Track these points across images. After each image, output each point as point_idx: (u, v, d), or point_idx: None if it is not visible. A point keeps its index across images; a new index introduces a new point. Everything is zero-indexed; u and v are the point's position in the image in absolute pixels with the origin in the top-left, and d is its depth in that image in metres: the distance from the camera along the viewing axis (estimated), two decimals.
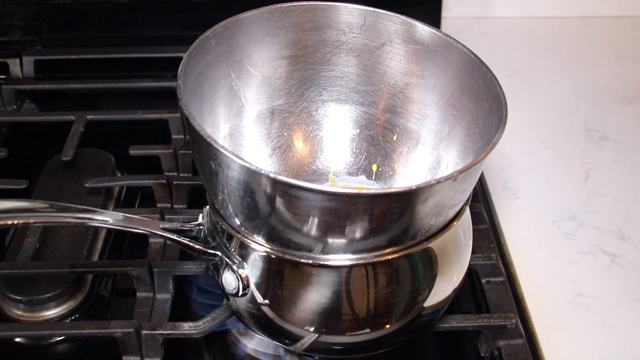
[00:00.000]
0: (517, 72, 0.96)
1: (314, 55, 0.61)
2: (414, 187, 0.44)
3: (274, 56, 0.59)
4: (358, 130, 0.64)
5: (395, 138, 0.63)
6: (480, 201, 0.71)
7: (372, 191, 0.44)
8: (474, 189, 0.74)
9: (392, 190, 0.44)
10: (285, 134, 0.63)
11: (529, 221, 0.74)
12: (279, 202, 0.45)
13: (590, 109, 0.90)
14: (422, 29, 0.57)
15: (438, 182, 0.44)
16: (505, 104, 0.50)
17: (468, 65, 0.55)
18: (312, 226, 0.46)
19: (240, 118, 0.60)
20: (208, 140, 0.45)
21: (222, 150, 0.44)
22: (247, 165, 0.44)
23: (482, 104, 0.54)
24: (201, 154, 0.48)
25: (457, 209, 0.51)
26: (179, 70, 0.50)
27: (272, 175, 0.43)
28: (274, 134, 0.63)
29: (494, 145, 0.47)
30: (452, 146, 0.59)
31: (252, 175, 0.44)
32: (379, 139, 0.64)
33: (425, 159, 0.61)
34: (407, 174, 0.63)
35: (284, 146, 0.64)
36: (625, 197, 0.77)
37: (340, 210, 0.44)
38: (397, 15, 0.58)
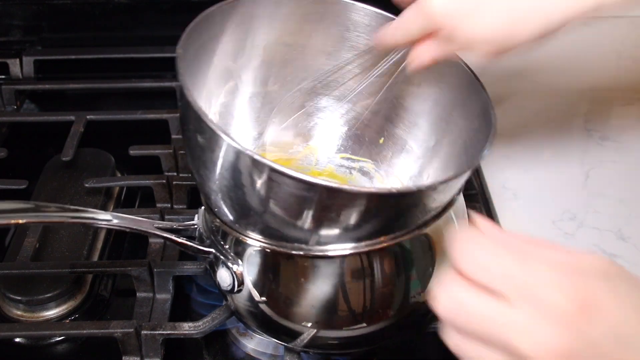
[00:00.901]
0: (517, 72, 0.96)
1: (315, 47, 0.60)
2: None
3: (275, 41, 0.59)
4: (346, 128, 0.64)
5: (381, 141, 0.63)
6: (480, 201, 0.71)
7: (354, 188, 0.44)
8: (474, 189, 0.75)
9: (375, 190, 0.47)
10: (274, 120, 0.63)
11: (529, 221, 0.74)
12: (263, 186, 0.44)
13: (590, 109, 0.90)
14: None
15: (419, 189, 0.46)
16: (495, 125, 0.50)
17: (465, 81, 0.55)
18: (303, 217, 0.45)
19: (232, 98, 0.60)
20: (199, 113, 0.44)
21: (212, 126, 0.43)
22: (241, 148, 0.43)
23: (473, 120, 0.54)
24: (189, 126, 0.47)
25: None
26: (180, 40, 0.49)
27: (266, 161, 0.42)
28: (262, 118, 0.63)
29: (476, 163, 0.50)
30: (436, 157, 0.59)
31: (239, 157, 0.44)
32: (365, 139, 0.64)
33: (408, 165, 0.62)
34: (388, 178, 0.63)
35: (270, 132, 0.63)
36: (625, 197, 0.76)
37: (331, 203, 0.44)
38: None
